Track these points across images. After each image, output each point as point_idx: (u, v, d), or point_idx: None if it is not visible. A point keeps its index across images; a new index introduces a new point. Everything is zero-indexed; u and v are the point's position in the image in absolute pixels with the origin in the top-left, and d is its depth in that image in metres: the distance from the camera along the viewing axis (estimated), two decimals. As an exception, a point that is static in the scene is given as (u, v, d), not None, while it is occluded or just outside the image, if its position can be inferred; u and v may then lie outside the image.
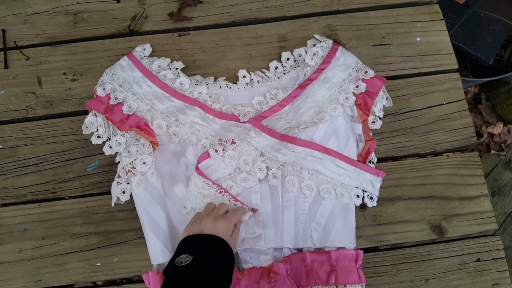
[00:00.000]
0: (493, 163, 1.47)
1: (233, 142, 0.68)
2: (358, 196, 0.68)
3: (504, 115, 1.49)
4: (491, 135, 1.49)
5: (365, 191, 0.69)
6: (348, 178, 0.68)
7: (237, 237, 0.61)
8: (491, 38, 1.23)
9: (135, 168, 0.66)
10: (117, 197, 0.66)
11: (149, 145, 0.67)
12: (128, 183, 0.67)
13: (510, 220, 1.43)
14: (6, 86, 0.76)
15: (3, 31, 0.79)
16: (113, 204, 0.66)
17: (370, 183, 0.69)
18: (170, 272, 0.53)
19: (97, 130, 0.70)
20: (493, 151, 1.47)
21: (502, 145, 1.48)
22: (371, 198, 0.69)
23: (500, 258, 0.70)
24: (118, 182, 0.66)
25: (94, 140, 0.71)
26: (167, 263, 0.56)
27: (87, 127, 0.71)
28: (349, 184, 0.68)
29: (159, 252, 0.65)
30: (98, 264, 0.68)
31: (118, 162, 0.68)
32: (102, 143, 0.70)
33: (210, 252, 0.54)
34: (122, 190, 0.66)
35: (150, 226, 0.66)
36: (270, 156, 0.68)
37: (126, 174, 0.66)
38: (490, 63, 1.24)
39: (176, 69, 0.74)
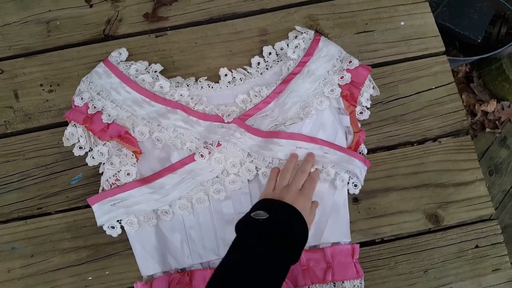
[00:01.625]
0: (488, 142, 1.46)
1: (218, 144, 0.66)
2: (343, 180, 0.66)
3: (497, 92, 1.47)
4: (485, 113, 1.47)
5: (351, 178, 0.67)
6: (337, 164, 0.66)
7: (313, 219, 0.60)
8: (478, 16, 1.20)
9: (119, 180, 0.65)
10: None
11: (132, 155, 0.65)
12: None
13: (509, 197, 1.42)
14: (-18, 103, 0.74)
15: (-26, 45, 0.77)
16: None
17: (359, 170, 0.67)
18: (247, 221, 0.52)
19: (79, 141, 0.68)
20: (488, 129, 1.46)
21: (497, 122, 1.46)
22: (355, 185, 0.67)
23: (498, 242, 0.68)
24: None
25: (76, 152, 0.68)
26: (244, 215, 0.54)
27: (67, 139, 0.69)
28: (337, 171, 0.66)
29: (148, 264, 0.63)
30: (90, 278, 0.66)
31: (102, 173, 0.67)
32: (85, 154, 0.68)
33: (287, 218, 0.52)
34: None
35: (136, 237, 0.64)
36: (257, 155, 0.66)
37: (111, 186, 0.65)
38: (479, 41, 1.21)
39: (155, 71, 0.72)
